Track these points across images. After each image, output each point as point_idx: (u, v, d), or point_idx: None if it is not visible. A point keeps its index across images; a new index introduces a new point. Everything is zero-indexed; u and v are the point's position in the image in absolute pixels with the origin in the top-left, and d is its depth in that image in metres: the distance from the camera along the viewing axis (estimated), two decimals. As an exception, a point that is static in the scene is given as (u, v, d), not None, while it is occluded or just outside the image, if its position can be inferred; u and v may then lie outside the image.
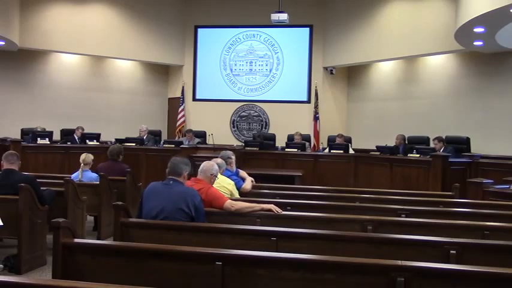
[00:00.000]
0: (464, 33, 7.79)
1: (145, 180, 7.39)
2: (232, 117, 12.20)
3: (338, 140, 9.62)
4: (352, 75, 12.06)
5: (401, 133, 9.14)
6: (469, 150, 8.26)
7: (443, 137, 8.22)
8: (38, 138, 8.71)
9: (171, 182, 3.58)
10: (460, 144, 8.27)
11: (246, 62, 12.20)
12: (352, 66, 11.73)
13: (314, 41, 11.76)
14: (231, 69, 12.24)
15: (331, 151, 9.07)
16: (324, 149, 9.80)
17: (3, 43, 9.67)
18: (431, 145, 8.36)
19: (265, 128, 12.00)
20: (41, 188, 4.73)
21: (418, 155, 7.79)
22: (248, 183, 5.20)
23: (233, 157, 5.34)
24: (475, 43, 8.27)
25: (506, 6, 6.25)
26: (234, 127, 12.22)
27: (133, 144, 9.23)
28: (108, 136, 10.17)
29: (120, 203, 3.41)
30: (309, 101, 11.66)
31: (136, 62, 12.34)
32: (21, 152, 7.16)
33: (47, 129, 9.16)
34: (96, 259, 2.69)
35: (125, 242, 3.19)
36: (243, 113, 12.17)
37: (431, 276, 2.36)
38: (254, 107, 12.10)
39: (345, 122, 12.02)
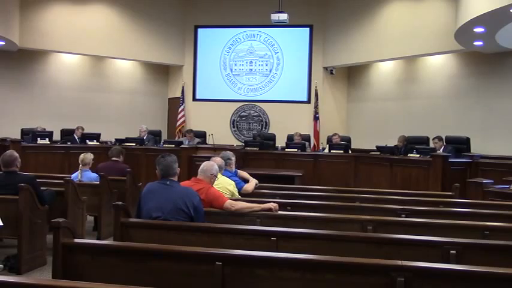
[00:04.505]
0: (464, 33, 7.79)
1: (145, 180, 7.34)
2: (232, 117, 12.20)
3: (334, 140, 9.61)
4: (352, 75, 12.06)
5: (401, 133, 9.14)
6: (469, 150, 8.25)
7: (443, 137, 8.23)
8: (38, 138, 8.70)
9: (168, 182, 3.56)
10: (460, 144, 8.26)
11: (246, 62, 12.20)
12: (352, 66, 11.73)
13: (314, 41, 11.76)
14: (231, 69, 12.23)
15: (331, 151, 9.07)
16: (323, 149, 9.80)
17: (3, 43, 9.67)
18: (431, 145, 8.36)
19: (265, 128, 11.99)
20: (41, 188, 4.74)
21: (418, 155, 7.79)
22: (250, 185, 5.20)
23: (233, 158, 5.34)
24: (475, 43, 8.27)
25: (506, 6, 6.25)
26: (234, 127, 12.22)
27: (133, 144, 9.23)
28: (108, 136, 10.17)
29: (120, 203, 3.40)
30: (309, 101, 11.66)
31: (137, 62, 12.34)
32: (21, 152, 7.14)
33: (47, 129, 9.16)
34: (96, 259, 2.69)
35: (125, 242, 3.19)
36: (243, 113, 12.17)
37: (431, 276, 2.36)
38: (254, 107, 12.09)
39: (345, 122, 12.02)
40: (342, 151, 9.00)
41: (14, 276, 4.01)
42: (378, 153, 8.68)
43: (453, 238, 3.00)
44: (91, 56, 11.67)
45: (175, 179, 3.64)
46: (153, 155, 9.01)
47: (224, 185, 4.56)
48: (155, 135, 10.21)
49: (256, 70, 12.14)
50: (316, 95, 11.38)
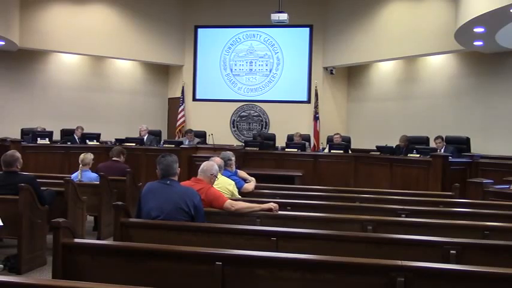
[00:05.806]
0: (464, 33, 7.79)
1: (145, 180, 7.33)
2: (232, 117, 12.20)
3: (336, 139, 9.61)
4: (352, 75, 12.06)
5: (401, 133, 9.13)
6: (469, 150, 8.26)
7: (443, 137, 8.23)
8: (38, 138, 8.70)
9: (168, 182, 3.56)
10: (460, 144, 8.26)
11: (246, 62, 12.20)
12: (352, 66, 11.73)
13: (314, 41, 11.76)
14: (231, 69, 12.23)
15: (331, 151, 9.07)
16: (323, 149, 9.80)
17: (3, 43, 9.67)
18: (431, 145, 8.36)
19: (265, 128, 11.99)
20: (41, 188, 4.73)
21: (418, 155, 7.78)
22: (251, 184, 5.22)
23: (233, 158, 5.35)
24: (475, 43, 8.28)
25: (506, 6, 6.25)
26: (234, 127, 12.22)
27: (134, 144, 9.22)
28: (108, 136, 10.17)
29: (120, 203, 3.40)
30: (309, 101, 11.66)
31: (137, 62, 12.34)
32: (21, 152, 7.10)
33: (47, 129, 9.15)
34: (96, 259, 2.69)
35: (125, 242, 3.19)
36: (243, 113, 12.17)
37: (431, 276, 2.36)
38: (254, 107, 12.10)
39: (345, 122, 12.02)
40: (342, 151, 8.99)
41: (14, 276, 4.01)
42: (378, 153, 8.68)
43: (453, 238, 3.00)
44: (91, 56, 11.66)
45: (176, 178, 3.63)
46: (153, 155, 9.01)
47: (224, 184, 4.56)
48: (155, 135, 10.19)
49: (256, 70, 12.14)
50: (316, 95, 11.38)
